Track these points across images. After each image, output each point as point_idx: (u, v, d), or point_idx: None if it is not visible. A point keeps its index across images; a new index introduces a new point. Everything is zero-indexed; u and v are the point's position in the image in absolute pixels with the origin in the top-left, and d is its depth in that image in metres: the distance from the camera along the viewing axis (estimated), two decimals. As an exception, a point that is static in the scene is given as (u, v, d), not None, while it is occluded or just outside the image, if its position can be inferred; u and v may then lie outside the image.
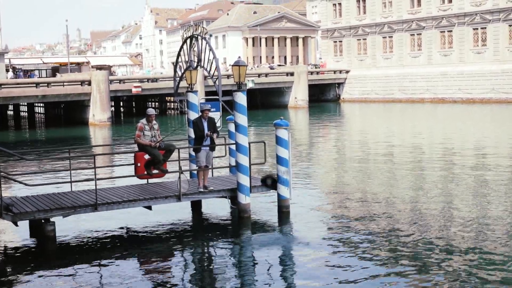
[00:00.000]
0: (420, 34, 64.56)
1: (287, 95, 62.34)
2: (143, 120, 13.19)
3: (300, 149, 27.42)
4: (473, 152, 24.84)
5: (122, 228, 13.25)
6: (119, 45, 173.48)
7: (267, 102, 62.76)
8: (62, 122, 52.83)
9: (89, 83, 45.71)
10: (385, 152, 25.91)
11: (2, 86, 43.61)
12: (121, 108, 68.57)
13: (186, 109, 15.75)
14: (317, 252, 11.16)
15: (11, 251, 11.96)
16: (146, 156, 13.26)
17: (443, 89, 60.21)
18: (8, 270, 10.88)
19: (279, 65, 76.99)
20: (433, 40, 63.11)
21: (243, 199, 13.27)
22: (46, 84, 45.98)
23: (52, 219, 11.82)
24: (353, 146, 28.95)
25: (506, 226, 12.58)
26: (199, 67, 14.81)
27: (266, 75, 62.07)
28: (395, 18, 66.72)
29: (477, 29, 59.66)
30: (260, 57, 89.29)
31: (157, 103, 63.58)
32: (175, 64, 16.26)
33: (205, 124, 13.25)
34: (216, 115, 14.28)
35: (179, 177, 12.78)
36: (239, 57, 58.09)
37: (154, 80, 53.69)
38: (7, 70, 56.54)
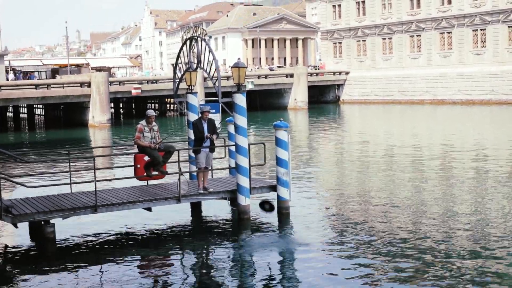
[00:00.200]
0: (420, 35, 64.59)
1: (287, 97, 62.36)
2: (143, 122, 13.19)
3: (300, 151, 27.43)
4: (473, 153, 24.83)
5: (121, 229, 13.24)
6: (118, 46, 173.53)
7: (266, 103, 62.77)
8: (61, 123, 52.81)
9: (89, 85, 45.70)
10: (384, 153, 25.92)
11: (2, 88, 43.58)
12: (121, 110, 68.58)
13: (185, 110, 15.76)
14: (316, 253, 11.16)
15: (11, 253, 11.95)
16: (146, 158, 13.26)
17: (443, 91, 60.22)
18: (8, 271, 10.88)
19: (279, 67, 77.01)
20: (432, 41, 63.14)
21: (242, 200, 13.27)
22: (45, 86, 45.97)
23: (52, 221, 11.81)
24: (352, 148, 28.95)
25: (506, 227, 12.58)
26: (198, 68, 14.83)
27: (266, 76, 62.07)
28: (394, 20, 66.76)
29: (477, 30, 59.70)
30: (260, 58, 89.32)
31: (156, 105, 63.59)
32: (175, 66, 16.27)
33: (205, 126, 13.25)
34: (215, 117, 14.29)
35: (179, 179, 12.78)
36: (239, 58, 57.86)
37: (154, 81, 53.72)
38: (7, 72, 56.47)
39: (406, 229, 12.57)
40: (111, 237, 12.68)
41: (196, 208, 14.61)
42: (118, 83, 51.57)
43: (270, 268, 10.52)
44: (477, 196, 15.98)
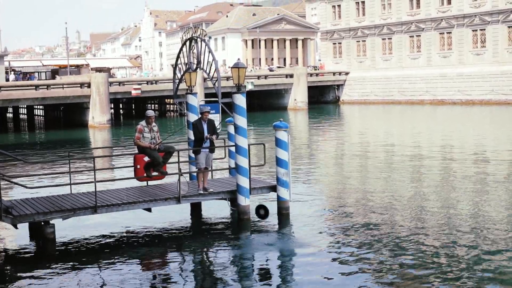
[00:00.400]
0: (419, 35, 64.61)
1: (287, 97, 62.37)
2: (143, 122, 13.19)
3: (300, 151, 27.43)
4: (473, 154, 24.84)
5: (121, 230, 13.24)
6: (118, 47, 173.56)
7: (266, 104, 62.78)
8: (61, 124, 52.82)
9: (89, 86, 45.71)
10: (384, 153, 25.92)
11: (2, 89, 43.59)
12: (121, 110, 68.56)
13: (185, 111, 15.76)
14: (316, 253, 11.16)
15: (11, 253, 11.95)
16: (146, 158, 13.26)
17: (443, 91, 60.23)
18: (8, 272, 10.88)
19: (279, 67, 76.99)
20: (432, 41, 63.15)
21: (242, 201, 13.27)
22: (45, 87, 45.97)
23: (51, 222, 11.82)
24: (352, 148, 28.95)
25: (506, 227, 12.58)
26: (198, 69, 14.83)
27: (266, 77, 62.08)
28: (394, 20, 66.78)
29: (476, 30, 59.71)
30: (260, 59, 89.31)
31: (156, 105, 63.57)
32: (175, 66, 16.27)
33: (205, 126, 13.25)
34: (215, 117, 14.29)
35: (179, 179, 12.78)
36: (239, 59, 57.82)
37: (154, 82, 53.73)
38: (7, 72, 56.46)
39: (406, 229, 12.57)
40: (111, 238, 12.68)
41: (196, 209, 14.61)
42: (118, 83, 51.58)
43: (270, 268, 10.52)
44: (477, 196, 15.98)
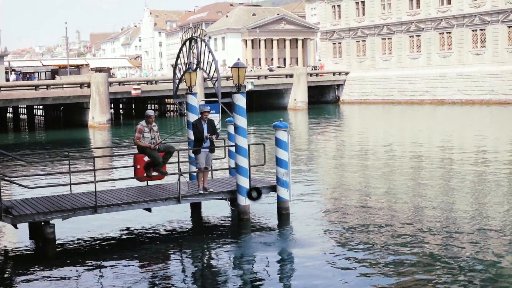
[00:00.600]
0: (419, 35, 64.61)
1: (287, 97, 62.37)
2: (143, 122, 13.20)
3: (300, 151, 27.43)
4: (473, 154, 24.84)
5: (121, 230, 13.25)
6: (118, 47, 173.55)
7: (266, 104, 62.77)
8: (61, 124, 52.81)
9: (89, 86, 45.71)
10: (384, 154, 25.92)
11: (2, 89, 43.59)
12: (121, 110, 68.56)
13: (185, 111, 15.76)
14: (316, 253, 11.16)
15: (11, 253, 11.96)
16: (146, 158, 13.26)
17: (442, 91, 60.24)
18: (8, 272, 10.88)
19: (278, 67, 77.00)
20: (432, 41, 63.15)
21: (242, 201, 13.28)
22: (45, 87, 45.96)
23: (51, 222, 11.81)
24: (352, 148, 28.95)
25: (507, 226, 12.58)
26: (198, 69, 14.83)
27: (266, 77, 62.08)
28: (394, 20, 66.77)
29: (476, 30, 59.72)
30: (260, 59, 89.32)
31: (156, 105, 63.57)
32: (175, 66, 16.28)
33: (205, 126, 13.25)
34: (215, 117, 14.29)
35: (179, 179, 12.79)
36: (238, 59, 57.87)
37: (154, 82, 53.72)
38: (7, 72, 56.44)
39: (406, 229, 12.57)
40: (111, 238, 12.68)
41: (196, 209, 14.62)
42: (118, 83, 51.58)
43: (270, 268, 10.52)
44: (477, 196, 15.98)
